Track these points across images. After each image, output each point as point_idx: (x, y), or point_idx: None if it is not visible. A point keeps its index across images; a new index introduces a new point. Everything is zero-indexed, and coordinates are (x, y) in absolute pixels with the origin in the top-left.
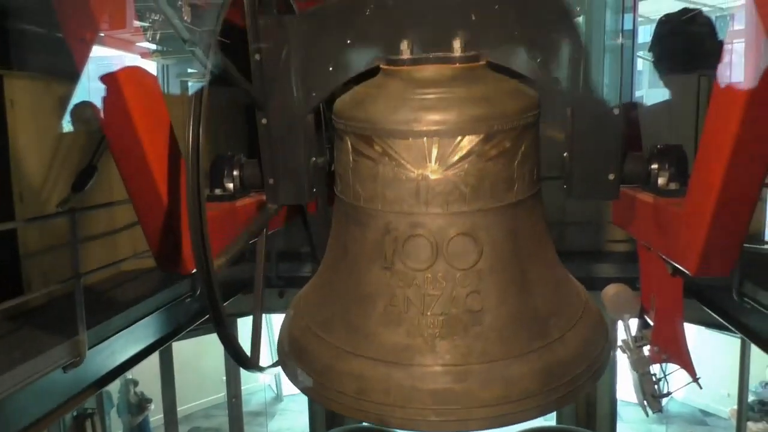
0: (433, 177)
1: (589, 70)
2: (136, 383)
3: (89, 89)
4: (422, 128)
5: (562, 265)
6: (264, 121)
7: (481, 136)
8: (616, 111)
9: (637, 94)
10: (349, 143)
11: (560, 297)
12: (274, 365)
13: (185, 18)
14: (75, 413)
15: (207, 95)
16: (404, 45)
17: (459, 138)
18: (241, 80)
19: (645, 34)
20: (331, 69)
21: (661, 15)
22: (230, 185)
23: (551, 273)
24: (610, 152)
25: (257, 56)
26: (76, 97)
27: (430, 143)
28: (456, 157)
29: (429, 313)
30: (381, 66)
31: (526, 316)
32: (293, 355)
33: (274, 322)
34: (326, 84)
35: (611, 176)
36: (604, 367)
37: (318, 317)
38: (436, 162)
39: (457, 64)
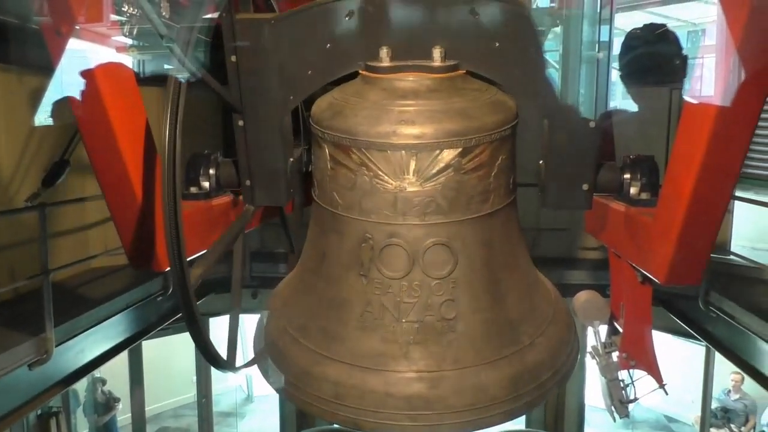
0: (410, 189)
1: (566, 82)
2: (104, 382)
3: (63, 83)
4: (401, 142)
5: (535, 269)
6: (240, 123)
7: (459, 150)
8: (592, 124)
9: (612, 104)
10: (327, 151)
11: (532, 303)
12: (246, 365)
13: (163, 13)
14: (39, 412)
15: (184, 91)
16: (383, 52)
17: (437, 152)
18: (216, 85)
19: (619, 46)
20: (310, 73)
21: (630, 29)
22: (206, 184)
23: (524, 279)
24: (585, 164)
25: (233, 57)
26: (50, 91)
27: (408, 156)
28: (434, 171)
29: (404, 321)
30: (360, 71)
31: (498, 324)
32: (271, 356)
33: (246, 323)
34: (304, 87)
35: (585, 187)
36: (571, 371)
37: (295, 320)
38: (414, 175)
39: (437, 75)
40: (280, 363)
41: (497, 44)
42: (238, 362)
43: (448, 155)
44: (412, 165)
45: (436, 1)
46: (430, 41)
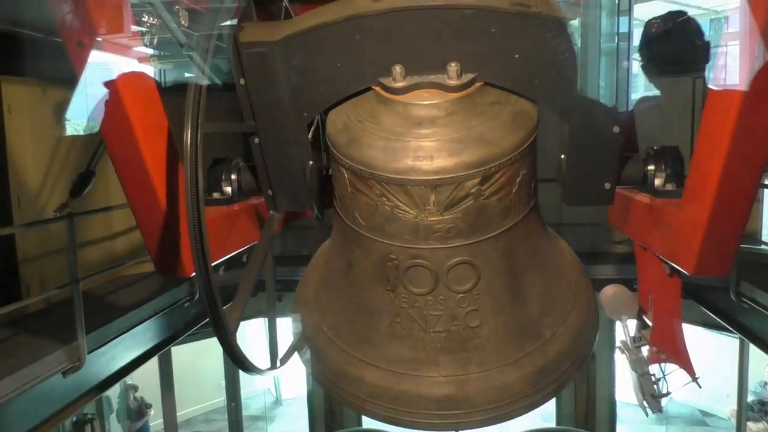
0: (431, 219)
1: (586, 85)
2: (135, 388)
3: (87, 94)
4: (420, 178)
5: (555, 244)
6: (256, 140)
7: (479, 179)
8: (616, 129)
9: (633, 96)
10: (346, 176)
11: (553, 294)
12: (272, 368)
13: (182, 22)
14: (74, 419)
15: (204, 96)
16: (397, 70)
17: (456, 185)
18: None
19: (639, 37)
20: (322, 90)
21: (649, 18)
22: (228, 189)
23: (545, 272)
24: (608, 165)
25: (242, 81)
26: (74, 102)
27: (427, 191)
28: (454, 201)
29: (431, 331)
30: (374, 89)
31: (520, 323)
32: (309, 349)
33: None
34: (317, 104)
35: (607, 185)
36: (589, 355)
37: (328, 317)
38: (434, 206)
39: (453, 93)
40: (319, 360)
41: (515, 55)
42: (265, 366)
43: (468, 186)
44: (432, 198)
45: (449, 15)
46: (444, 55)
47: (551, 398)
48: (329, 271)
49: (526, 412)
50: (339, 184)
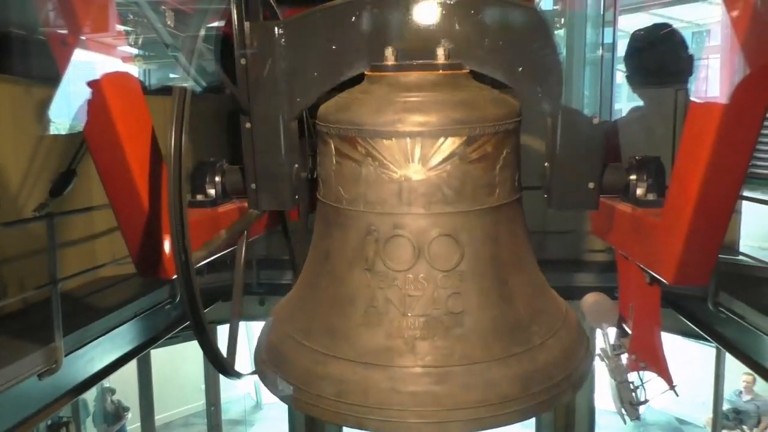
0: (415, 177)
1: (570, 81)
2: (113, 391)
3: (70, 93)
4: (405, 129)
5: (543, 276)
6: (248, 125)
7: (463, 138)
8: (596, 120)
9: (616, 107)
10: (332, 146)
11: (541, 305)
12: (253, 372)
13: (168, 23)
14: (49, 422)
15: (189, 99)
16: (389, 52)
17: (441, 139)
18: (230, 84)
19: (623, 48)
20: (316, 74)
21: (634, 29)
22: (212, 191)
23: (531, 282)
24: (590, 161)
25: (243, 61)
26: (57, 101)
27: (413, 144)
28: (438, 159)
29: (410, 314)
30: (366, 73)
31: (507, 322)
32: (272, 363)
33: (254, 330)
34: (312, 89)
35: (591, 185)
36: (585, 377)
37: (298, 323)
38: (418, 162)
39: (441, 71)
40: (283, 368)
41: (499, 43)
42: (247, 369)
43: (452, 143)
44: (417, 152)
45: (440, 3)
46: (434, 42)
47: (544, 410)
48: (304, 278)
49: (515, 420)
50: (325, 166)
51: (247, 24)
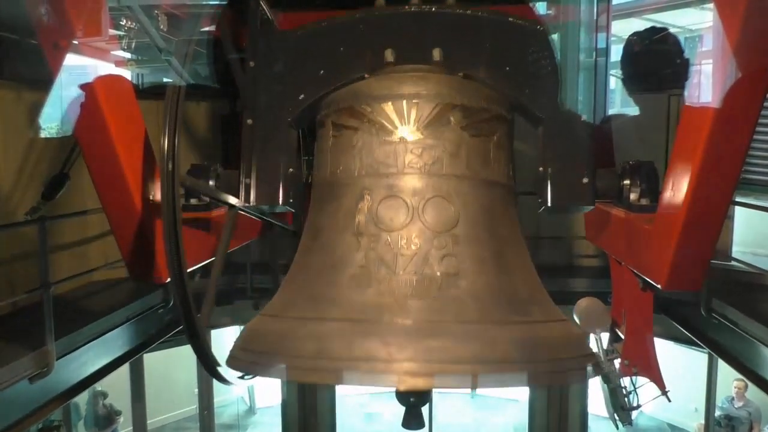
0: (411, 138)
1: (564, 85)
2: (105, 395)
3: (62, 96)
4: (403, 91)
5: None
6: (249, 122)
7: (458, 105)
8: (584, 117)
9: (610, 112)
10: (330, 123)
11: (540, 295)
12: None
13: (161, 27)
14: (40, 425)
15: (183, 98)
16: (389, 52)
17: (436, 103)
18: (240, 75)
19: (616, 53)
20: (322, 73)
21: (630, 34)
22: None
23: (529, 269)
24: (582, 157)
25: (252, 63)
26: (49, 105)
27: (409, 106)
28: (434, 121)
29: (401, 272)
30: (366, 75)
31: (504, 291)
32: (246, 346)
33: None
34: (316, 87)
35: (585, 180)
36: (595, 369)
37: (279, 304)
38: (414, 123)
39: (436, 72)
40: (257, 343)
41: (493, 49)
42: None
43: (447, 108)
44: (413, 114)
45: (438, 14)
46: (430, 46)
47: (548, 381)
48: (289, 275)
49: (522, 383)
50: (321, 147)
51: (255, 28)
